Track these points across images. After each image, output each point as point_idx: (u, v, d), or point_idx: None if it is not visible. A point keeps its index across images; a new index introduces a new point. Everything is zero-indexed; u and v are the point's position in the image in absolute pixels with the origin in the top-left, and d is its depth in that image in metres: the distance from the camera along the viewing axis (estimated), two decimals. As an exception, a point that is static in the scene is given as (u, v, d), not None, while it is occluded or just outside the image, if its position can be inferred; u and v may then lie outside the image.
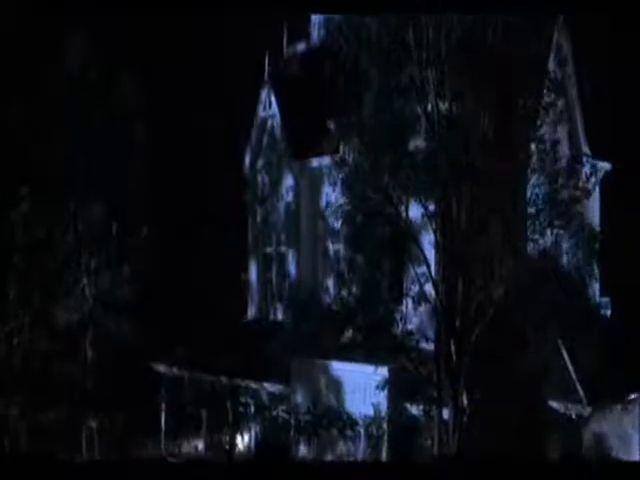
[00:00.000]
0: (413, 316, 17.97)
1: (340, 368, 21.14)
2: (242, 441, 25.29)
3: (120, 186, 27.04)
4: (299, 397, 22.20)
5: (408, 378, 18.99)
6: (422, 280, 16.70)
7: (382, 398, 19.88)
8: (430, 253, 16.88)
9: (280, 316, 26.21)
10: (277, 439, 23.59)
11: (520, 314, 17.07)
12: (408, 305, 17.70)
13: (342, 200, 19.32)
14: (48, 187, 25.83)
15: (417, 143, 18.12)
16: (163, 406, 27.60)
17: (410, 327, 17.74)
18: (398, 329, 17.56)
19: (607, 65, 26.21)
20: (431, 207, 16.65)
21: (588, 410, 19.55)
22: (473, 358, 16.50)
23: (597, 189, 23.34)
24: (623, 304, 24.40)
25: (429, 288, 16.85)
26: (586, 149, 24.83)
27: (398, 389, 19.64)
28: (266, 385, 23.58)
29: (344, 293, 17.66)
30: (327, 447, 22.18)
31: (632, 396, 21.09)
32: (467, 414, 17.39)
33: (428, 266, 16.63)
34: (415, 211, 17.45)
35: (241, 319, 27.39)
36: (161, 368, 27.71)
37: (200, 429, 26.62)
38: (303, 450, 22.89)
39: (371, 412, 20.13)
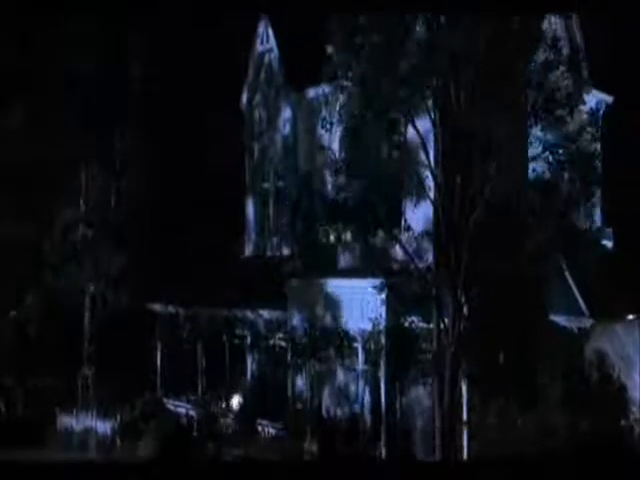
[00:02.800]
0: (412, 212, 17.65)
1: (338, 285, 20.91)
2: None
3: (118, 123, 26.93)
4: (296, 320, 21.95)
5: (407, 290, 18.76)
6: (421, 169, 16.49)
7: (380, 312, 19.61)
8: (429, 136, 16.64)
9: (278, 251, 25.92)
10: (274, 370, 23.37)
11: (518, 207, 16.79)
12: (406, 204, 17.41)
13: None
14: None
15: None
16: (159, 346, 27.43)
17: (409, 223, 17.41)
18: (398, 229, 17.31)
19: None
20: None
21: (590, 322, 19.28)
22: (472, 252, 16.20)
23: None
24: (625, 235, 24.13)
25: (429, 182, 16.69)
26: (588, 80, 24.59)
27: (397, 301, 19.36)
28: (263, 313, 23.32)
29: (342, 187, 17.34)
30: (325, 375, 22.01)
31: (631, 317, 20.81)
32: (466, 316, 17.11)
33: (427, 152, 16.40)
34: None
35: (238, 257, 27.18)
36: (157, 307, 27.48)
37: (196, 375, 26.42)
38: (300, 385, 22.66)
39: (369, 327, 19.85)
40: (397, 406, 19.84)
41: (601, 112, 22.23)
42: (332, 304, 21.03)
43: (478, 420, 18.39)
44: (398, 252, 19.64)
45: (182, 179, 28.49)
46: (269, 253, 26.29)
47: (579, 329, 19.48)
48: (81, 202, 27.57)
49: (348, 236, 22.00)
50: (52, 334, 28.53)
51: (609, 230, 24.35)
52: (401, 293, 18.87)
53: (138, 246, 27.20)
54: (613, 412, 19.77)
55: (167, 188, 27.79)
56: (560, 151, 17.07)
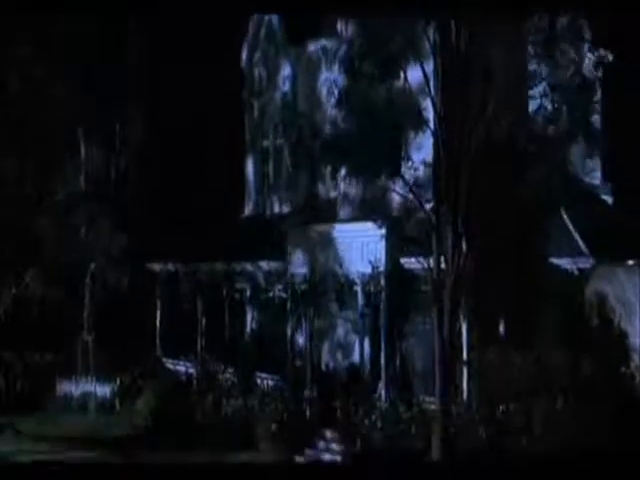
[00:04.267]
0: (413, 144, 17.61)
1: (337, 229, 20.88)
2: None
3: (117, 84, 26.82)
4: (296, 267, 21.91)
5: (407, 228, 18.76)
6: (420, 99, 16.45)
7: (380, 253, 19.58)
8: (428, 67, 16.61)
9: (277, 209, 25.89)
10: (274, 322, 23.32)
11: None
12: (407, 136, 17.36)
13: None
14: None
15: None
16: (158, 305, 27.40)
17: (410, 155, 17.34)
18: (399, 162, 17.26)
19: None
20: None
21: (590, 262, 19.20)
22: (472, 182, 16.15)
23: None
24: (625, 190, 24.07)
25: (429, 113, 16.65)
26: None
27: (396, 241, 19.33)
28: (262, 264, 23.27)
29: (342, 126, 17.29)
30: (324, 325, 21.97)
31: (631, 262, 20.74)
32: (466, 250, 17.06)
33: (427, 81, 16.36)
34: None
35: (238, 216, 27.16)
36: (156, 267, 27.43)
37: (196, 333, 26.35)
38: (300, 336, 22.62)
39: (369, 270, 19.80)
40: (397, 349, 19.79)
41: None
42: (332, 249, 21.01)
43: (478, 359, 18.31)
44: (397, 197, 19.67)
45: (182, 138, 28.40)
46: (268, 211, 26.25)
47: (579, 270, 19.40)
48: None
49: (349, 185, 22.05)
50: (52, 311, 28.46)
51: (608, 186, 24.35)
52: (401, 231, 18.83)
53: (139, 207, 27.15)
54: (614, 357, 19.71)
55: (167, 146, 27.72)
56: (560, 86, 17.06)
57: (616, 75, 24.43)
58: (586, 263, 19.24)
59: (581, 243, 19.47)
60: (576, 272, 19.41)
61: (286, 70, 25.67)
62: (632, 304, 21.16)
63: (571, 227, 19.94)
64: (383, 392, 19.70)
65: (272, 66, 26.26)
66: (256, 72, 26.95)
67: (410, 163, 17.26)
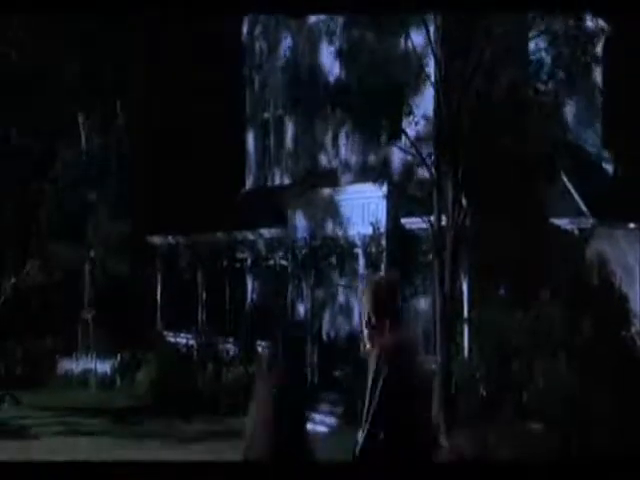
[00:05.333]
0: (413, 98, 17.59)
1: (338, 192, 20.91)
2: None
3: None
4: (296, 231, 21.91)
5: (408, 187, 18.80)
6: (421, 51, 16.46)
7: (380, 214, 19.59)
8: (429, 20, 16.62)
9: (279, 181, 25.88)
10: (275, 291, 23.31)
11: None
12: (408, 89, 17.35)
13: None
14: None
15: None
16: (159, 279, 27.39)
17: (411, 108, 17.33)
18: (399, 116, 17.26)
19: None
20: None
21: (591, 222, 19.22)
22: (473, 133, 16.17)
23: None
24: (625, 158, 24.06)
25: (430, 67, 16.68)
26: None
27: (397, 202, 19.35)
28: (263, 232, 23.27)
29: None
30: (325, 290, 21.98)
31: (632, 225, 20.75)
32: (466, 205, 17.08)
33: (427, 32, 16.38)
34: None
35: (239, 190, 27.15)
36: (156, 240, 27.43)
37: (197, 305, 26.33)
38: (301, 307, 22.62)
39: (369, 231, 19.81)
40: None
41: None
42: (332, 212, 21.02)
43: (478, 316, 18.31)
44: (398, 160, 19.70)
45: (183, 111, 28.36)
46: (270, 183, 26.25)
47: (580, 230, 19.42)
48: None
49: (350, 152, 22.08)
50: (52, 295, 28.43)
51: (609, 154, 24.36)
52: (402, 191, 18.86)
53: (141, 183, 27.18)
54: (613, 320, 19.68)
55: (168, 119, 27.71)
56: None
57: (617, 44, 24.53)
58: (586, 223, 19.28)
59: (581, 203, 19.52)
60: (576, 232, 19.46)
61: (287, 42, 25.66)
62: (632, 268, 21.19)
63: (571, 189, 19.99)
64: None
65: (273, 38, 26.25)
66: (257, 46, 26.96)
67: (411, 117, 17.26)
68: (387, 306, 6.66)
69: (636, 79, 26.12)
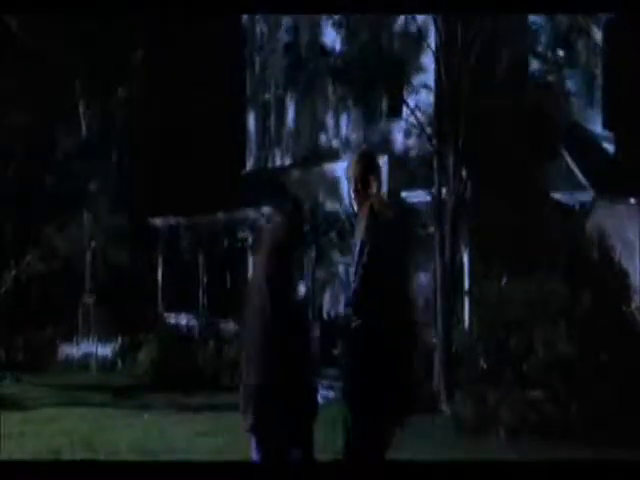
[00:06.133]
0: (413, 68, 17.64)
1: (338, 167, 20.87)
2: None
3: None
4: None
5: (408, 163, 18.83)
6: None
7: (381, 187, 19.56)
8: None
9: (279, 162, 25.93)
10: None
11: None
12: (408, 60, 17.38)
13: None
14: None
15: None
16: (160, 261, 27.44)
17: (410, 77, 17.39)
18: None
19: None
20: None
21: (591, 195, 19.26)
22: (473, 98, 16.20)
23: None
24: (625, 137, 24.12)
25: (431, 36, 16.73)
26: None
27: (397, 175, 19.36)
28: (264, 210, 23.29)
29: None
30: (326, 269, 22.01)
31: (633, 200, 20.80)
32: (466, 176, 17.12)
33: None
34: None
35: (240, 171, 27.22)
36: (157, 222, 27.47)
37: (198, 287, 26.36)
38: (301, 289, 22.58)
39: (369, 205, 19.77)
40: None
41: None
42: (332, 187, 21.03)
43: (479, 288, 18.32)
44: (399, 137, 19.75)
45: (183, 93, 28.39)
46: (270, 164, 26.30)
47: (580, 204, 19.47)
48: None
49: (351, 130, 22.11)
50: (52, 284, 28.44)
51: (609, 134, 24.43)
52: (402, 164, 18.89)
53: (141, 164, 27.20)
54: (613, 295, 19.68)
55: (169, 100, 27.72)
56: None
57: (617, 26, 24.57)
58: (586, 197, 19.34)
59: (581, 177, 19.57)
60: (577, 206, 19.50)
61: (288, 22, 25.71)
62: (632, 243, 21.23)
63: (572, 164, 20.05)
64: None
65: (273, 21, 26.30)
66: (257, 28, 27.01)
67: (412, 87, 17.30)
68: (372, 172, 7.56)
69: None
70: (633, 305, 20.32)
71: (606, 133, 24.18)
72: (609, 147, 24.04)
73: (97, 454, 12.59)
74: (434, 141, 16.91)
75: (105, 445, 13.45)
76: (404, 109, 18.07)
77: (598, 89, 23.67)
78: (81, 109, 27.40)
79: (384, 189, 19.18)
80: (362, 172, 7.55)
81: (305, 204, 21.51)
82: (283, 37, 25.81)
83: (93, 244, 27.86)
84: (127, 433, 14.85)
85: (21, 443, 13.79)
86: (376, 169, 7.60)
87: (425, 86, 17.26)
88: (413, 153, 18.54)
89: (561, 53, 18.44)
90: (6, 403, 19.40)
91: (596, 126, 23.73)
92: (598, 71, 22.90)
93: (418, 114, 17.13)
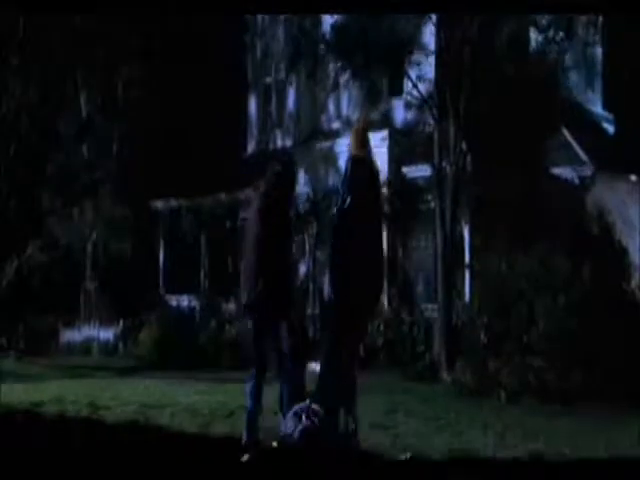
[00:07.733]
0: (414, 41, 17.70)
1: (338, 144, 20.99)
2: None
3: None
4: (299, 187, 21.96)
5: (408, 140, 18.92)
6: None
7: (382, 163, 19.64)
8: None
9: (280, 143, 25.99)
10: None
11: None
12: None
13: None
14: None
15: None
16: (162, 244, 27.49)
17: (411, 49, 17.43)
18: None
19: None
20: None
21: (591, 170, 19.33)
22: (472, 76, 16.28)
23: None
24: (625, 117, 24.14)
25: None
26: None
27: (398, 151, 19.46)
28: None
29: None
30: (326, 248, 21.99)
31: (633, 177, 20.86)
32: (467, 149, 17.19)
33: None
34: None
35: (241, 155, 27.27)
36: (159, 204, 27.52)
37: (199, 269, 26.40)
38: (302, 270, 22.72)
39: (371, 181, 19.83)
40: (399, 259, 19.89)
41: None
42: (334, 164, 21.10)
43: (479, 262, 18.39)
44: (400, 115, 19.82)
45: (185, 76, 28.40)
46: (271, 147, 26.35)
47: (580, 178, 19.54)
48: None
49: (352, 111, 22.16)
50: (54, 273, 28.48)
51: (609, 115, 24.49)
52: (403, 139, 18.97)
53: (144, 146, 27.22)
54: (614, 272, 19.73)
55: (170, 83, 27.75)
56: None
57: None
58: (587, 171, 19.42)
59: (581, 153, 19.66)
60: (577, 181, 19.58)
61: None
62: (632, 221, 21.30)
63: (572, 140, 20.14)
64: (386, 301, 19.79)
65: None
66: (259, 16, 27.07)
67: (412, 57, 17.38)
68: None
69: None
70: (633, 283, 20.43)
71: (606, 114, 24.24)
72: (609, 127, 24.10)
73: (99, 409, 12.68)
74: (434, 111, 16.97)
75: (107, 400, 13.63)
76: (405, 83, 18.10)
77: (598, 73, 23.73)
78: (82, 98, 27.47)
79: (385, 164, 19.61)
80: (360, 134, 9.71)
81: (305, 186, 21.81)
82: (283, 21, 25.86)
83: (94, 232, 27.94)
84: (128, 391, 15.22)
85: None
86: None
87: (426, 58, 17.34)
88: (414, 128, 18.57)
89: (561, 34, 18.52)
90: (9, 377, 19.51)
91: (596, 107, 23.80)
92: (598, 51, 22.92)
93: (420, 87, 17.19)
